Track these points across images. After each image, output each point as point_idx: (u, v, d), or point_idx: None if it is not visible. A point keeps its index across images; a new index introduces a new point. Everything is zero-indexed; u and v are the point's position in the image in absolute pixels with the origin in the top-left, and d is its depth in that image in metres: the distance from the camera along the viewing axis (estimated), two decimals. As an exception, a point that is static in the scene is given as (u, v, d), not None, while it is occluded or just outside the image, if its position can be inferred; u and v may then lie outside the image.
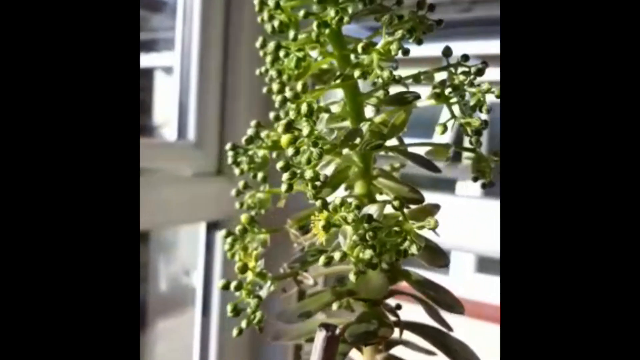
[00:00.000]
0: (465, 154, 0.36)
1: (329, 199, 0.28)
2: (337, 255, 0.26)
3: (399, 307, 0.34)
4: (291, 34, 0.30)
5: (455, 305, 0.32)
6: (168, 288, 1.38)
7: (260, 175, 0.34)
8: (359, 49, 0.28)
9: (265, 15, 0.31)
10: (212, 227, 0.78)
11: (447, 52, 0.32)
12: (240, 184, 0.35)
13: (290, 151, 0.26)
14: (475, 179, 0.36)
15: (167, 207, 0.68)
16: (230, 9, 0.76)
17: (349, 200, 0.27)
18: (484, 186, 0.36)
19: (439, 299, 0.32)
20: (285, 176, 0.27)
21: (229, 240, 0.31)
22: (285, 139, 0.26)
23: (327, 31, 0.30)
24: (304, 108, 0.26)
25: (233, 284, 0.29)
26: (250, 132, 0.33)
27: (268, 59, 0.31)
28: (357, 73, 0.28)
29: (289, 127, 0.26)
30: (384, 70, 0.28)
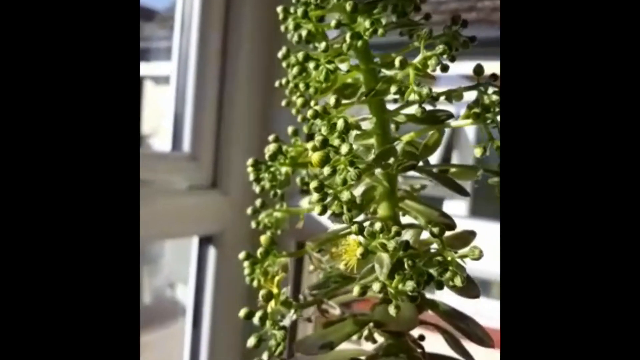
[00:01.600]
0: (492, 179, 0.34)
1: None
2: (376, 287, 0.23)
3: (422, 338, 0.32)
4: (322, 45, 0.28)
5: (485, 338, 0.30)
6: (152, 301, 1.34)
7: (279, 192, 0.32)
8: (397, 64, 0.26)
9: (291, 24, 0.29)
10: (204, 241, 0.75)
11: (479, 70, 0.30)
12: (258, 202, 0.32)
13: (326, 171, 0.23)
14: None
15: (160, 219, 0.66)
16: (229, 19, 0.74)
17: (377, 224, 0.25)
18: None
19: (469, 332, 0.30)
20: (315, 197, 0.24)
21: (247, 264, 0.29)
22: (317, 156, 0.24)
23: (359, 43, 0.28)
24: (340, 124, 0.24)
25: (258, 315, 0.26)
26: (272, 147, 0.31)
27: (294, 70, 0.29)
28: (393, 89, 0.27)
29: (325, 144, 0.24)
30: (422, 87, 0.26)
